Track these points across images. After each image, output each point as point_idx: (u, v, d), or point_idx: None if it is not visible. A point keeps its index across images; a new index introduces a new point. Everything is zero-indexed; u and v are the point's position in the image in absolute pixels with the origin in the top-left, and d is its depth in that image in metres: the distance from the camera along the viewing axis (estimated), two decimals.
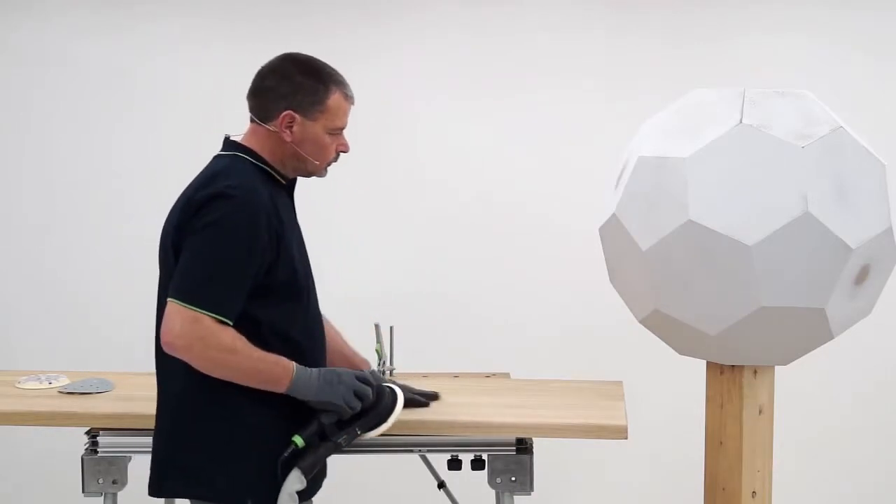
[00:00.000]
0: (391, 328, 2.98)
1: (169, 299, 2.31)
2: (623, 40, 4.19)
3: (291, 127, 2.41)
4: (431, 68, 4.21)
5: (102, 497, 2.72)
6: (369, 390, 2.39)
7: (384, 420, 2.41)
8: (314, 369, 2.36)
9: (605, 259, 2.64)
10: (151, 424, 2.70)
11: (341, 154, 2.49)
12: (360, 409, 2.38)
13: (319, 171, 2.47)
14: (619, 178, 2.55)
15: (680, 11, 4.17)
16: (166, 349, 2.30)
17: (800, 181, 2.28)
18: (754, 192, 2.28)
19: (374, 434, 2.41)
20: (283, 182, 2.46)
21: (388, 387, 2.47)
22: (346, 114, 2.45)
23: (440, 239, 4.19)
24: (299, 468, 2.32)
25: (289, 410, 2.37)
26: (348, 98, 2.45)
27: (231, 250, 2.29)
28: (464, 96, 4.23)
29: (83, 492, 2.72)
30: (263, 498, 2.35)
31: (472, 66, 4.21)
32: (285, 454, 2.33)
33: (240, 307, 2.30)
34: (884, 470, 4.23)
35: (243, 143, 2.48)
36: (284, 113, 2.41)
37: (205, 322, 2.26)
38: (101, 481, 2.70)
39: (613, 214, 2.49)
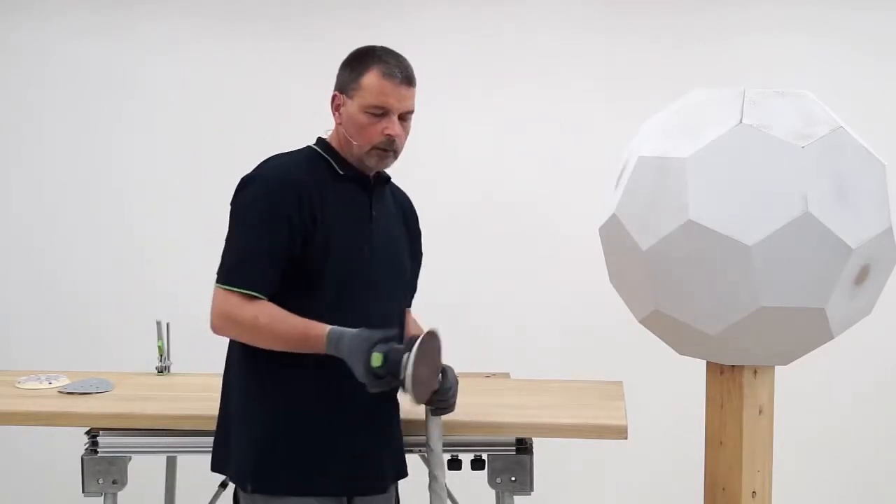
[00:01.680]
0: None
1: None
2: (623, 40, 4.19)
3: (340, 109, 2.41)
4: (431, 68, 4.18)
5: (102, 497, 2.73)
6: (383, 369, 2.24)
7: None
8: (347, 335, 2.26)
9: (605, 259, 2.64)
10: (151, 424, 2.72)
11: (395, 141, 2.37)
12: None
13: (364, 157, 2.39)
14: (619, 178, 2.54)
15: (680, 11, 4.17)
16: (212, 331, 2.38)
17: (800, 181, 2.28)
18: (754, 193, 2.28)
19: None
20: (341, 172, 2.40)
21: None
22: (383, 93, 2.35)
23: (440, 239, 4.16)
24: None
25: (300, 400, 2.37)
26: (389, 76, 2.36)
27: (251, 226, 2.33)
28: (463, 96, 4.23)
29: (83, 492, 2.72)
30: (263, 485, 2.39)
31: (471, 66, 4.21)
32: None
33: (268, 279, 2.32)
34: (884, 470, 4.23)
35: (327, 135, 2.48)
36: (333, 94, 2.42)
37: (231, 299, 2.32)
38: (101, 481, 2.70)
39: (613, 214, 2.49)
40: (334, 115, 2.43)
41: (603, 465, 4.21)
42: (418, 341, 2.25)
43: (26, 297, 4.32)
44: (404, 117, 2.41)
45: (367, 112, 2.36)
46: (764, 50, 4.13)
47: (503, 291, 4.22)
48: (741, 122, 2.33)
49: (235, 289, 2.32)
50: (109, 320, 4.27)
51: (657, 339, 2.63)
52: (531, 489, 2.68)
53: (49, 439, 4.02)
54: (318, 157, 2.43)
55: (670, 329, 2.51)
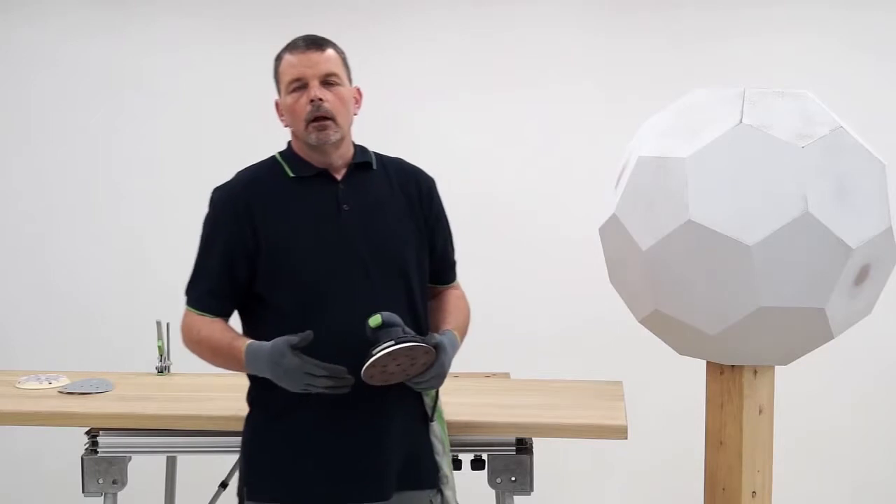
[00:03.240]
0: None
1: None
2: (623, 40, 4.19)
3: (281, 110, 2.42)
4: (431, 68, 4.21)
5: (102, 497, 2.73)
6: (314, 368, 2.21)
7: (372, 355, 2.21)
8: (265, 350, 2.26)
9: (605, 259, 2.64)
10: (151, 424, 2.72)
11: (322, 105, 2.32)
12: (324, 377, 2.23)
13: (306, 136, 2.35)
14: (619, 178, 2.54)
15: (680, 11, 4.17)
16: None
17: (800, 181, 2.27)
18: (754, 193, 2.28)
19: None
20: (292, 174, 2.39)
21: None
22: (292, 66, 2.35)
23: None
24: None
25: (281, 411, 2.35)
26: (293, 49, 2.36)
27: (202, 245, 2.43)
28: (463, 96, 4.23)
29: (83, 492, 2.72)
30: (252, 493, 2.40)
31: (471, 65, 4.21)
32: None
33: (214, 299, 2.38)
34: (884, 470, 4.23)
35: None
36: (274, 102, 2.44)
37: (185, 318, 2.43)
38: (101, 481, 2.70)
39: (613, 214, 2.49)
40: (281, 121, 2.43)
41: (603, 465, 4.20)
42: (412, 343, 2.20)
43: (26, 297, 4.32)
44: (328, 81, 2.35)
45: (290, 93, 2.36)
46: (764, 50, 4.13)
47: (503, 292, 4.21)
48: (741, 122, 2.33)
49: (189, 308, 2.42)
50: (109, 320, 4.27)
51: (657, 339, 2.63)
52: (531, 489, 2.68)
53: (49, 439, 4.03)
54: (275, 164, 2.43)
55: (670, 329, 2.51)
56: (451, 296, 2.62)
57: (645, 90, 3.97)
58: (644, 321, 2.57)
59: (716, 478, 2.61)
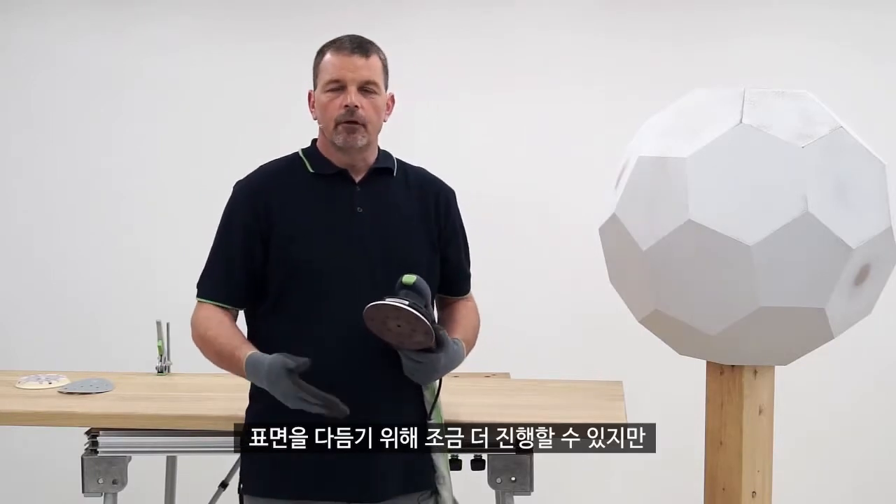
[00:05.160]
0: None
1: None
2: (623, 40, 4.19)
3: (313, 103, 2.43)
4: (430, 68, 4.20)
5: (102, 497, 2.73)
6: (309, 395, 2.21)
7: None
8: (263, 367, 2.24)
9: (605, 259, 2.64)
10: (151, 424, 2.72)
11: (355, 111, 2.34)
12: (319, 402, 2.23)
13: (334, 136, 2.37)
14: (619, 178, 2.55)
15: (679, 11, 4.17)
16: None
17: (800, 181, 2.28)
18: (754, 192, 2.28)
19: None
20: (312, 170, 2.41)
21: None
22: (334, 66, 2.36)
23: None
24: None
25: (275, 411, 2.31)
26: (339, 49, 2.37)
27: (217, 237, 2.43)
28: (463, 96, 4.23)
29: (83, 492, 2.72)
30: (250, 488, 2.41)
31: (471, 66, 4.21)
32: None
33: (226, 289, 2.39)
34: (884, 470, 4.23)
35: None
36: (308, 93, 2.45)
37: (196, 311, 2.41)
38: (101, 481, 2.70)
39: (613, 214, 2.49)
40: (311, 113, 2.44)
41: (603, 465, 4.20)
42: (419, 315, 2.20)
43: (26, 297, 4.32)
44: (366, 89, 2.37)
45: (326, 91, 2.36)
46: (764, 50, 4.13)
47: (503, 291, 4.21)
48: (741, 122, 2.33)
49: (200, 298, 2.41)
50: (109, 320, 4.27)
51: (657, 339, 2.63)
52: (531, 489, 2.68)
53: (49, 439, 4.03)
54: (297, 160, 2.45)
55: (670, 329, 2.51)
56: (462, 307, 2.60)
57: (645, 90, 3.96)
58: (644, 321, 2.58)
59: (716, 478, 2.61)
